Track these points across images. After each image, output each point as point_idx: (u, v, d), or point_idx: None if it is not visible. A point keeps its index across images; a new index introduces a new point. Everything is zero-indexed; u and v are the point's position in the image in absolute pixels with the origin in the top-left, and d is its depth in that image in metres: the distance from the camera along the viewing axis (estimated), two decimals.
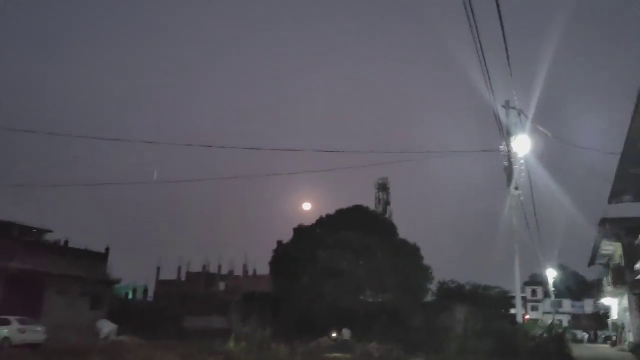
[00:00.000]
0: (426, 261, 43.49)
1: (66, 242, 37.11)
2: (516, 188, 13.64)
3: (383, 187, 61.85)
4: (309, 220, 45.38)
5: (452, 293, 45.73)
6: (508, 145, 13.33)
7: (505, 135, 13.31)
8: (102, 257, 36.73)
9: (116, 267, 38.55)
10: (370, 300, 40.07)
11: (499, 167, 14.17)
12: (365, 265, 38.66)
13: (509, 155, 13.45)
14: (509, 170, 13.41)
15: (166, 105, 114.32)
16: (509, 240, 14.80)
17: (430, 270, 43.83)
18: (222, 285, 48.19)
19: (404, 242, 43.16)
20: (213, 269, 50.11)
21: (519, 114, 13.63)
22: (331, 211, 45.18)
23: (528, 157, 14.16)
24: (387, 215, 57.71)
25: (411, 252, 42.20)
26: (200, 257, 51.79)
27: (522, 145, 13.62)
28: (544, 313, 65.67)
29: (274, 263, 43.37)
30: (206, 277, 48.87)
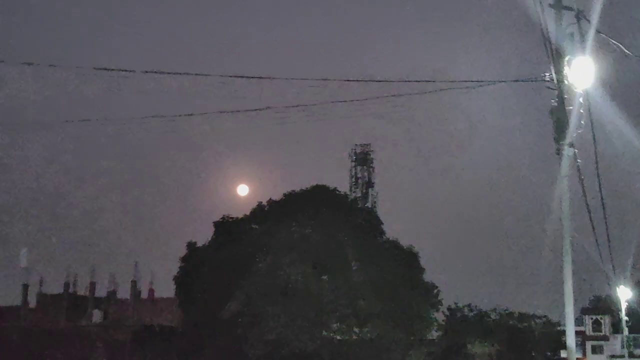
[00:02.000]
0: (430, 275, 43.55)
1: None
2: (571, 145, 13.09)
3: (363, 158, 61.77)
4: (244, 211, 44.81)
5: (469, 325, 46.05)
6: (558, 71, 12.73)
7: (554, 55, 12.71)
8: None
9: None
10: (340, 337, 40.18)
11: (543, 113, 13.65)
12: (332, 281, 38.63)
13: (559, 89, 12.87)
14: (558, 114, 12.83)
15: None
16: (558, 239, 14.32)
17: (435, 290, 43.94)
18: (97, 315, 47.28)
19: (394, 245, 42.91)
20: (82, 289, 49.15)
21: (577, 19, 13.04)
22: (278, 196, 44.73)
23: (590, 93, 13.64)
24: (368, 204, 57.64)
25: (405, 260, 41.97)
26: (61, 271, 50.42)
27: (581, 73, 13.03)
28: (612, 357, 67.09)
29: (183, 278, 42.59)
30: (71, 302, 47.86)
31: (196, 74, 14.39)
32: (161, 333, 42.93)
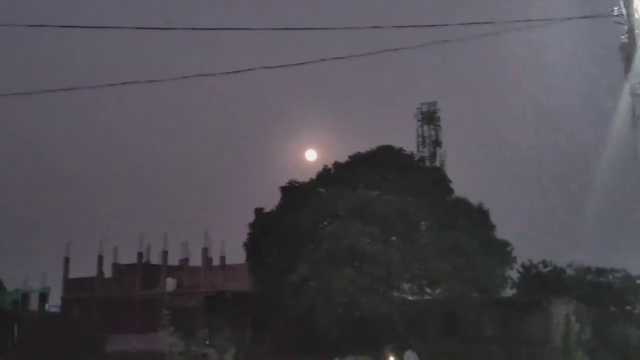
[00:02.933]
0: (501, 233, 42.47)
1: None
2: None
3: (429, 117, 60.82)
4: (312, 176, 44.43)
5: (544, 282, 44.83)
6: (627, 4, 11.72)
7: None
8: None
9: None
10: (411, 298, 39.71)
11: (612, 52, 12.59)
12: (400, 244, 38.09)
13: (629, 24, 11.85)
14: (628, 51, 11.84)
15: None
16: (633, 182, 13.34)
17: (508, 248, 42.92)
18: (170, 283, 47.83)
19: (463, 203, 42.03)
20: (155, 258, 49.71)
21: None
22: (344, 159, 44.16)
23: None
24: (436, 163, 56.75)
25: (475, 218, 41.06)
26: (135, 240, 50.97)
27: None
28: None
29: (252, 244, 42.66)
30: (145, 272, 48.61)
31: (241, 29, 13.72)
32: (233, 299, 43.13)
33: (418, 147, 58.44)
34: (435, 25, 13.77)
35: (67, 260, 50.15)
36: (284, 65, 14.96)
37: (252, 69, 15.72)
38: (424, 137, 59.63)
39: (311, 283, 36.50)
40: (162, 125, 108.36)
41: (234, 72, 15.64)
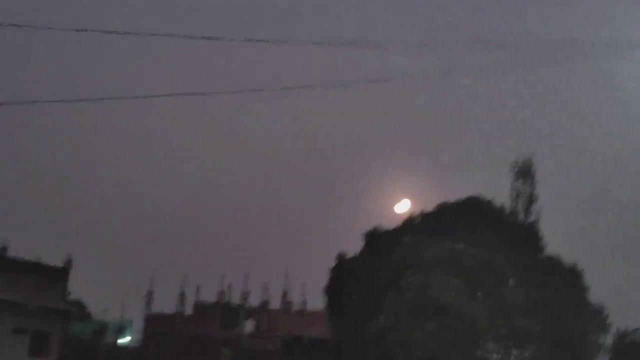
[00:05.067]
0: (595, 296, 40.52)
1: (4, 248, 37.79)
2: None
3: (524, 172, 59.03)
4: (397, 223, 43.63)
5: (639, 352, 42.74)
6: None
7: None
8: (59, 275, 36.81)
9: (80, 292, 38.54)
10: (496, 357, 38.30)
11: None
12: (486, 299, 37.10)
13: None
14: None
15: None
16: None
17: (603, 312, 40.94)
18: (249, 325, 47.84)
19: (555, 263, 40.47)
20: (236, 298, 49.90)
21: None
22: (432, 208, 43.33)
23: None
24: (530, 219, 54.98)
25: (567, 279, 39.43)
26: (216, 280, 51.22)
27: None
28: None
29: (333, 290, 42.10)
30: (224, 312, 48.77)
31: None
32: (311, 345, 42.70)
33: (511, 201, 56.76)
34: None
35: (149, 295, 50.87)
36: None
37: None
38: (517, 192, 57.82)
39: (391, 334, 35.49)
40: (246, 161, 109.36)
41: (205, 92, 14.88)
